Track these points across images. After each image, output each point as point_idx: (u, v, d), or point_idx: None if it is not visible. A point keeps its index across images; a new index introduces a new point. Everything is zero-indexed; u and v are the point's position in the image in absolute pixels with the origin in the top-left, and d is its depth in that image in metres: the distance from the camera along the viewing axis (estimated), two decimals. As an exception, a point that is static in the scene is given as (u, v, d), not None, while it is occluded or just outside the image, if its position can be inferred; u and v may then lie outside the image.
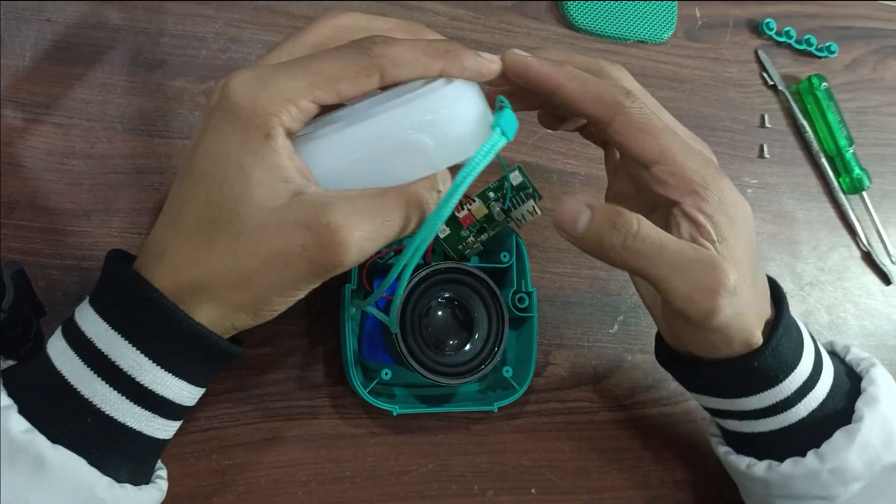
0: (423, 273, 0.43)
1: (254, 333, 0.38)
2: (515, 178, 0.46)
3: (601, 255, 0.37)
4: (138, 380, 0.32)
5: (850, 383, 0.43)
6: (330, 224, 0.31)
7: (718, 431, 0.46)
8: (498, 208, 0.46)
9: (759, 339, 0.39)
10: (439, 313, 0.44)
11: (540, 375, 0.50)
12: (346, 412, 0.45)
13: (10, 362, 0.35)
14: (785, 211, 0.60)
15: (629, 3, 0.57)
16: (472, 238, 0.46)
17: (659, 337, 0.45)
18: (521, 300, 0.47)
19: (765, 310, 0.40)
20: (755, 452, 0.43)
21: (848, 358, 0.45)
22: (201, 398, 0.36)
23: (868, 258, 0.62)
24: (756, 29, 0.63)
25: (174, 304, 0.32)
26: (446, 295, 0.44)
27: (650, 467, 0.51)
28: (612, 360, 0.52)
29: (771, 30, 0.62)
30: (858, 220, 0.62)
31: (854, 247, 0.62)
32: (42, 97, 0.43)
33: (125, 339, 0.32)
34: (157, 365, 0.32)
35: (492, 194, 0.46)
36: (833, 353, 0.45)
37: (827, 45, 0.64)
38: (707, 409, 0.45)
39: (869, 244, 0.62)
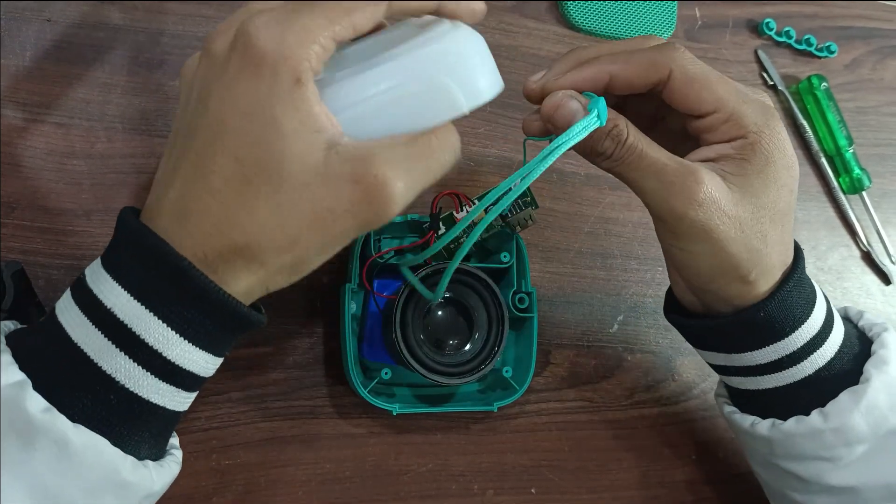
0: (424, 273, 0.43)
1: (254, 333, 0.38)
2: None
3: (589, 158, 0.38)
4: (165, 354, 0.30)
5: (861, 346, 0.42)
6: (377, 176, 0.30)
7: (725, 392, 0.46)
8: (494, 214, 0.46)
9: (757, 283, 0.39)
10: (439, 313, 0.45)
11: (540, 375, 0.50)
12: (346, 412, 0.45)
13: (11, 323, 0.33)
14: (785, 211, 0.60)
15: (629, 3, 0.57)
16: (465, 238, 0.46)
17: (669, 294, 0.44)
18: (521, 300, 0.47)
19: (773, 260, 0.39)
20: (760, 411, 0.43)
21: (861, 323, 0.44)
22: (201, 398, 0.36)
23: (868, 258, 0.62)
24: (756, 29, 0.63)
25: (206, 276, 0.30)
26: (446, 295, 0.44)
27: (650, 467, 0.51)
28: (611, 360, 0.52)
29: (771, 30, 0.62)
30: (858, 220, 0.62)
31: (854, 247, 0.62)
32: (42, 97, 0.43)
33: (150, 312, 0.30)
34: (184, 338, 0.30)
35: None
36: (847, 318, 0.45)
37: (826, 45, 0.64)
38: (713, 366, 0.44)
39: (869, 244, 0.62)
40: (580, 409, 0.50)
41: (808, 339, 0.40)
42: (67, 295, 0.31)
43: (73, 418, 0.29)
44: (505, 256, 0.47)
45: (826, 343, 0.40)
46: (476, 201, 0.46)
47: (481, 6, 0.34)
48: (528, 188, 0.45)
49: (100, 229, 0.42)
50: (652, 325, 0.54)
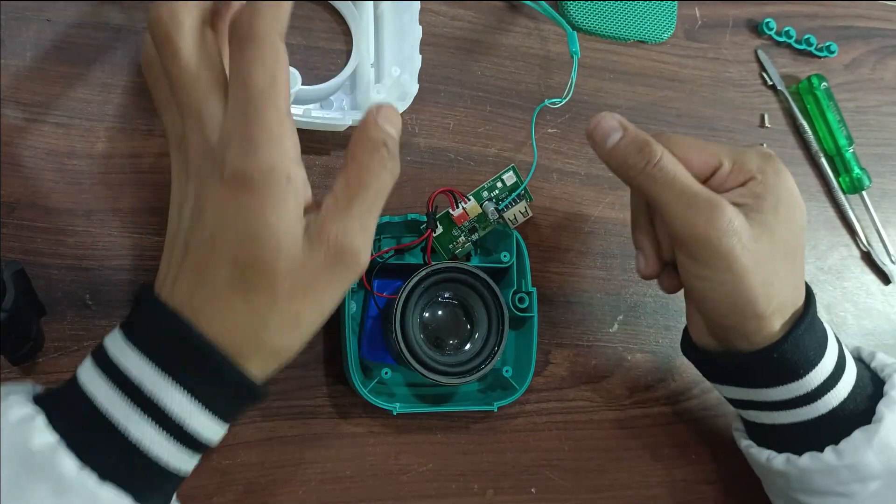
0: (423, 273, 0.43)
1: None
2: (509, 178, 0.46)
3: (620, 172, 0.41)
4: (187, 424, 0.32)
5: (874, 387, 0.44)
6: (345, 245, 0.32)
7: (742, 427, 0.47)
8: (492, 208, 0.46)
9: (772, 319, 0.40)
10: (439, 312, 0.45)
11: (540, 375, 0.50)
12: (346, 412, 0.45)
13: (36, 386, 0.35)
14: (784, 211, 0.60)
15: (629, 2, 0.57)
16: (462, 237, 0.46)
17: (686, 333, 0.46)
18: (521, 300, 0.47)
19: (787, 296, 0.41)
20: (775, 445, 0.44)
21: (873, 364, 0.46)
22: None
23: (868, 258, 0.62)
24: (756, 29, 0.63)
25: (230, 362, 0.32)
26: (446, 294, 0.45)
27: (649, 467, 0.51)
28: (611, 360, 0.52)
29: (770, 30, 0.62)
30: (858, 220, 0.62)
31: (853, 246, 0.62)
32: (42, 97, 0.43)
33: (176, 383, 0.32)
34: (206, 410, 0.33)
35: (486, 193, 0.46)
36: (859, 359, 0.46)
37: (826, 44, 0.64)
38: (730, 399, 0.45)
39: (868, 244, 0.62)
40: (580, 409, 0.50)
41: (822, 380, 0.41)
42: (90, 364, 0.33)
43: (102, 477, 0.31)
44: (505, 256, 0.47)
45: (839, 383, 0.42)
46: (470, 197, 0.46)
47: None
48: (521, 179, 0.46)
49: (100, 229, 0.42)
50: (652, 325, 0.54)
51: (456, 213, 0.46)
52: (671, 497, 0.51)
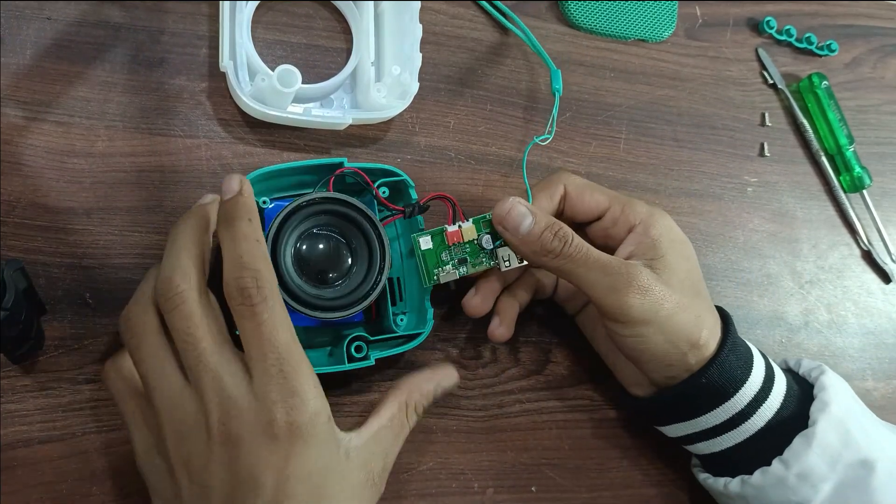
0: (299, 202, 0.41)
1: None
2: None
3: (537, 258, 0.42)
4: None
5: (803, 392, 0.45)
6: (380, 471, 0.38)
7: (698, 461, 0.49)
8: (485, 239, 0.44)
9: (707, 345, 0.43)
10: (319, 246, 0.42)
11: (540, 373, 0.50)
12: (347, 410, 0.45)
13: None
14: (785, 209, 0.60)
15: (629, 1, 0.57)
16: (450, 266, 0.44)
17: (623, 392, 0.49)
18: (358, 349, 0.43)
19: (710, 322, 0.44)
20: (729, 471, 0.46)
21: (801, 371, 0.48)
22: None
23: (868, 257, 0.62)
24: (756, 27, 0.63)
25: None
26: (324, 227, 0.42)
27: (650, 465, 0.51)
28: (612, 359, 0.52)
29: (771, 28, 0.62)
30: (859, 219, 0.62)
31: (854, 245, 0.62)
32: (42, 95, 0.43)
33: None
34: None
35: (485, 225, 0.44)
36: (787, 369, 0.48)
37: (827, 43, 0.64)
38: (677, 439, 0.47)
39: (869, 243, 0.62)
40: (581, 408, 0.50)
41: (752, 395, 0.44)
42: None
43: None
44: (401, 319, 0.45)
45: (771, 396, 0.44)
46: (470, 220, 0.44)
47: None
48: None
49: (100, 227, 0.42)
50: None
51: (451, 229, 0.44)
52: (671, 496, 0.51)
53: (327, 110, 0.48)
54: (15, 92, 0.42)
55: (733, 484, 0.45)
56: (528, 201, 0.44)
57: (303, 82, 0.45)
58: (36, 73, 0.43)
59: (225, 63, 0.44)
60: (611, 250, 0.45)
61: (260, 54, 0.47)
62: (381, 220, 0.43)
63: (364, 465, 0.37)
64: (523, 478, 0.48)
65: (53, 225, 0.42)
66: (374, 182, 0.44)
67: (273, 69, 0.44)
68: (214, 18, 0.47)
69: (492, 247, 0.44)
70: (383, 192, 0.44)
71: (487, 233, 0.44)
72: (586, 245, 0.42)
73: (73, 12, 0.44)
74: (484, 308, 0.46)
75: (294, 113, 0.45)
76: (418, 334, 0.44)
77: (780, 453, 0.43)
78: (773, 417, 0.44)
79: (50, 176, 0.42)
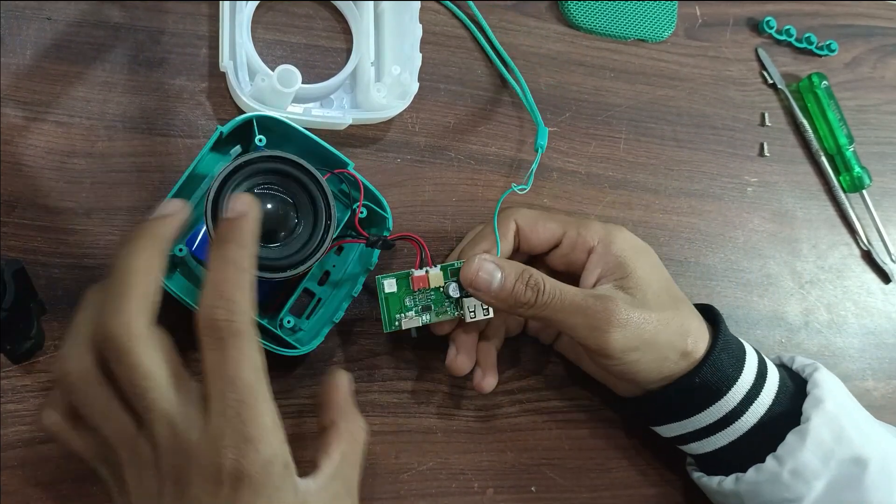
0: (241, 161, 0.39)
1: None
2: None
3: (513, 310, 0.42)
4: None
5: (797, 389, 0.46)
6: (349, 498, 0.37)
7: (692, 460, 0.49)
8: (452, 287, 0.43)
9: (696, 350, 0.43)
10: (266, 205, 0.40)
11: (540, 374, 0.50)
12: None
13: None
14: (785, 209, 0.60)
15: (629, 1, 0.57)
16: (413, 312, 0.43)
17: (619, 400, 0.49)
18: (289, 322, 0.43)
19: (694, 326, 0.44)
20: (724, 470, 0.46)
21: (794, 366, 0.48)
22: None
23: (868, 257, 0.62)
24: (756, 27, 0.63)
25: None
26: (266, 185, 0.41)
27: (650, 465, 0.51)
28: (612, 359, 0.52)
29: (771, 28, 0.62)
30: (858, 219, 0.62)
31: (854, 245, 0.62)
32: (43, 95, 0.43)
33: None
34: None
35: (453, 273, 0.43)
36: (781, 365, 0.49)
37: (827, 43, 0.64)
38: (672, 438, 0.47)
39: (869, 243, 0.62)
40: (580, 408, 0.50)
41: (744, 393, 0.44)
42: None
43: None
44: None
45: (762, 393, 0.44)
46: (438, 267, 0.43)
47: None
48: None
49: (100, 228, 0.42)
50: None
51: (417, 273, 0.42)
52: (671, 496, 0.51)
53: (327, 110, 0.48)
54: (15, 92, 0.42)
55: (727, 482, 0.45)
56: (498, 251, 0.44)
57: (303, 82, 0.45)
58: (36, 73, 0.43)
59: (225, 63, 0.44)
60: (575, 276, 0.45)
61: (260, 54, 0.47)
62: (341, 238, 0.43)
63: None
64: (523, 478, 0.48)
65: (54, 225, 0.42)
66: (362, 199, 0.44)
67: (273, 69, 0.44)
68: (214, 18, 0.47)
69: (458, 296, 0.43)
70: (362, 212, 0.44)
71: (455, 281, 0.43)
72: (559, 287, 0.42)
73: (73, 12, 0.44)
74: (469, 364, 0.45)
75: (294, 113, 0.45)
76: (294, 347, 0.42)
77: (774, 449, 0.43)
78: (765, 414, 0.44)
79: (50, 176, 0.42)
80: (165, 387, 0.32)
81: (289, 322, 0.43)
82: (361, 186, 0.44)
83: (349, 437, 0.38)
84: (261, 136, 0.42)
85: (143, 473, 0.33)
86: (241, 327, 0.32)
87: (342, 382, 0.39)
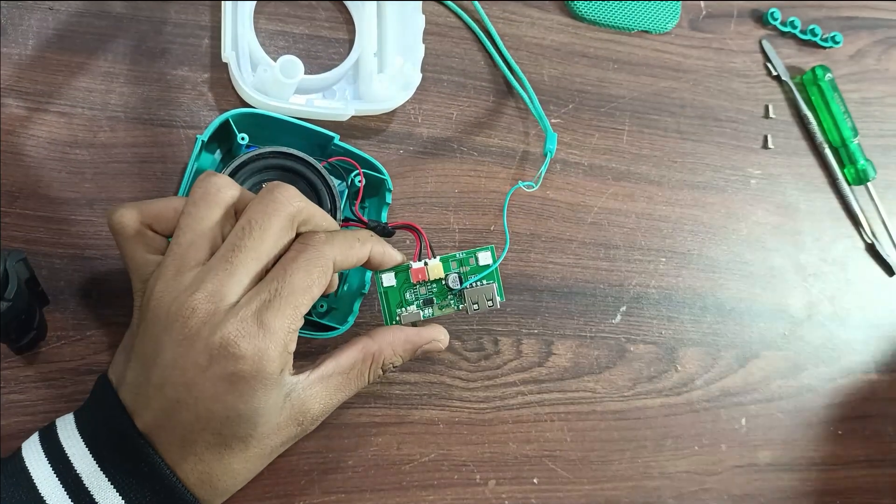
0: (246, 157, 0.40)
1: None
2: (484, 257, 0.41)
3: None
4: None
5: None
6: (315, 416, 0.37)
7: None
8: (452, 278, 0.41)
9: None
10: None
11: (542, 365, 0.50)
12: (349, 401, 0.45)
13: None
14: (789, 202, 0.60)
15: (633, -8, 0.57)
16: (415, 307, 0.41)
17: None
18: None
19: None
20: None
21: None
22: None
23: (872, 249, 0.62)
24: (760, 19, 0.62)
25: (178, 480, 0.34)
26: (270, 181, 0.40)
27: (652, 458, 0.51)
28: (614, 351, 0.52)
29: (775, 20, 0.62)
30: (862, 211, 0.62)
31: (858, 238, 0.62)
32: (44, 86, 0.43)
33: (115, 489, 0.33)
34: None
35: (454, 264, 0.41)
36: None
37: (832, 35, 0.64)
38: None
39: (873, 235, 0.61)
40: (582, 400, 0.50)
41: None
42: (37, 443, 0.34)
43: None
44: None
45: None
46: (437, 258, 0.41)
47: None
48: (496, 262, 0.41)
49: (102, 218, 0.42)
50: (655, 316, 0.54)
51: (416, 265, 0.40)
52: (673, 488, 0.51)
53: (330, 101, 0.47)
54: (17, 82, 0.42)
55: None
56: (507, 241, 0.43)
57: (305, 73, 0.44)
58: (38, 63, 0.43)
59: (227, 54, 0.44)
60: None
61: (262, 45, 0.46)
62: (341, 220, 0.43)
63: (300, 407, 0.36)
64: (525, 469, 0.48)
65: (56, 216, 0.42)
66: (358, 169, 0.44)
67: (275, 60, 0.44)
68: (217, 9, 0.47)
69: (460, 287, 0.41)
70: (363, 183, 0.44)
71: (456, 272, 0.41)
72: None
73: (75, 2, 0.44)
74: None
75: (296, 104, 0.45)
76: (334, 328, 0.43)
77: None
78: None
79: (52, 167, 0.42)
80: (255, 252, 0.34)
81: (322, 306, 0.44)
82: (351, 160, 0.43)
83: (369, 360, 0.39)
84: (243, 135, 0.42)
85: (179, 271, 0.34)
86: (326, 254, 0.35)
87: (423, 338, 0.41)
